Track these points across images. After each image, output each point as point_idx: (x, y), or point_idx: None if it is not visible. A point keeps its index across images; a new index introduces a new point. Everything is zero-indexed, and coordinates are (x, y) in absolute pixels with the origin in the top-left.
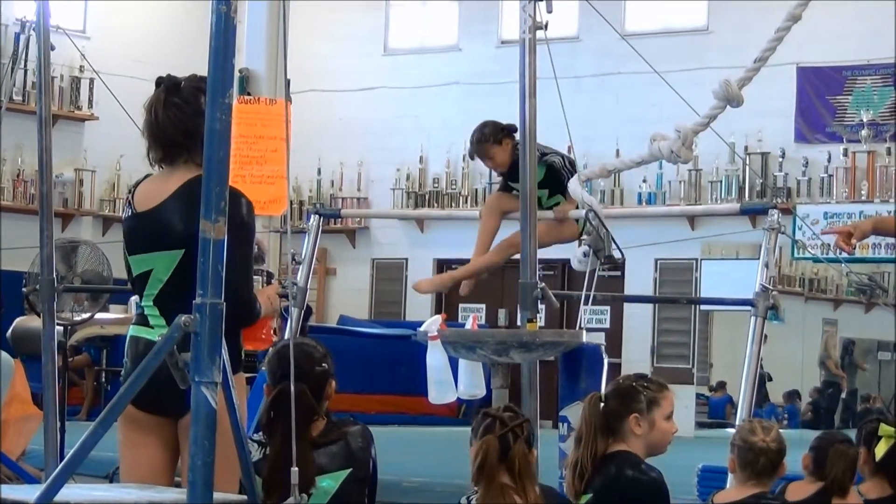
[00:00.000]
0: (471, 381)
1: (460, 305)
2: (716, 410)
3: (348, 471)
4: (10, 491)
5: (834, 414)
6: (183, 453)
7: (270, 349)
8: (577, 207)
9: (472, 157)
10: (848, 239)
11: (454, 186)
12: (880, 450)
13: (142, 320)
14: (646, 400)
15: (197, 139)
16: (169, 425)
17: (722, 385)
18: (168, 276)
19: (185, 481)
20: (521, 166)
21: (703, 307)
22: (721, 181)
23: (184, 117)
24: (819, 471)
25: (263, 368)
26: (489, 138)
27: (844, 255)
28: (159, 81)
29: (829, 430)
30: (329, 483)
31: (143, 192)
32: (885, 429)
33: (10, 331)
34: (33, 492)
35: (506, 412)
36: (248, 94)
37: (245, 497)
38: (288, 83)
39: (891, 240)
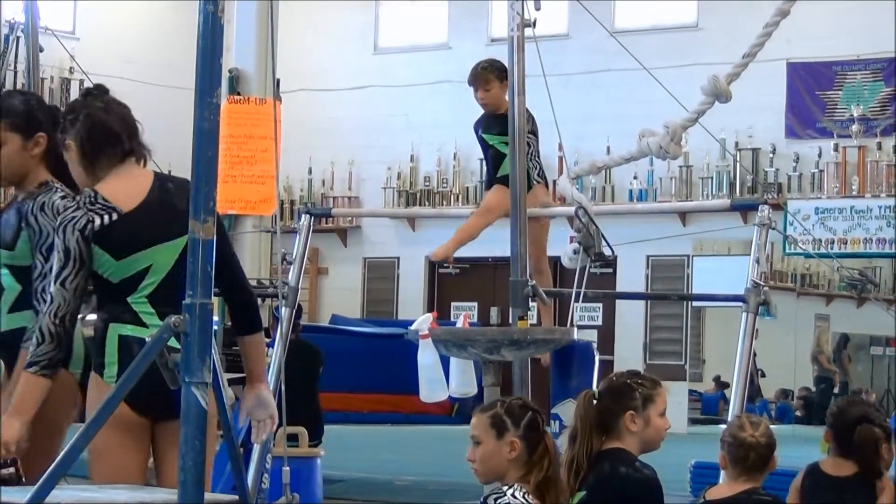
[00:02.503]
0: (462, 379)
1: (452, 304)
2: (709, 406)
3: None
4: (2, 492)
5: (826, 409)
6: (162, 457)
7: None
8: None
9: (469, 83)
10: None
11: (445, 185)
12: None
13: (131, 318)
14: (641, 397)
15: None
16: (147, 427)
17: (718, 380)
18: (170, 268)
19: (160, 482)
20: (510, 163)
21: (695, 303)
22: (712, 177)
23: (128, 117)
24: (846, 451)
25: None
26: (495, 72)
27: (835, 250)
28: (89, 91)
29: (847, 401)
30: None
31: (117, 193)
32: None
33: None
34: (25, 493)
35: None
36: (238, 93)
37: (237, 497)
38: (277, 83)
39: (882, 234)
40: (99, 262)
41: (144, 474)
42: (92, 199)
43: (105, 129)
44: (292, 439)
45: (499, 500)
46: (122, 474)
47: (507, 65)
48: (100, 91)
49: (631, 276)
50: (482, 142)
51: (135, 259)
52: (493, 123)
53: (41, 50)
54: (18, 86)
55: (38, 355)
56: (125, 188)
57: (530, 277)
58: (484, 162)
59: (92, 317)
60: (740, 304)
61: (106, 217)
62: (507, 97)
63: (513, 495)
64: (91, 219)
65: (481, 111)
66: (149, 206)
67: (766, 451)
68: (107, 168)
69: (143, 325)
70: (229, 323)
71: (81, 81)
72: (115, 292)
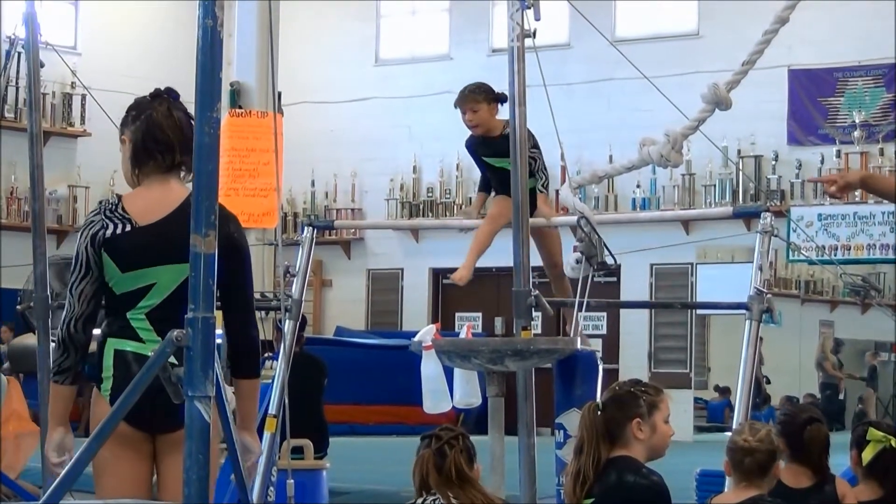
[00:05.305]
0: (466, 390)
1: (457, 314)
2: (714, 414)
3: None
4: None
5: (832, 415)
6: (162, 469)
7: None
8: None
9: (455, 106)
10: (832, 184)
11: (448, 195)
12: (867, 454)
13: (129, 334)
14: (645, 404)
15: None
16: (147, 440)
17: (725, 389)
18: (173, 289)
19: (162, 496)
20: (511, 173)
21: (699, 311)
22: (715, 185)
23: (187, 128)
24: (798, 455)
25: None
26: (482, 94)
27: (839, 256)
28: (159, 92)
29: (796, 408)
30: None
31: (138, 205)
32: (873, 433)
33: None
34: None
35: (442, 430)
36: (240, 107)
37: None
38: (279, 96)
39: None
40: (106, 270)
41: (149, 487)
42: (112, 207)
43: (161, 135)
44: (297, 452)
45: None
46: (125, 488)
47: (507, 75)
48: (169, 94)
49: (635, 284)
50: (483, 164)
51: (139, 274)
52: (493, 147)
53: (42, 65)
54: (20, 102)
55: (52, 362)
56: (151, 202)
57: (552, 285)
58: (481, 176)
59: (97, 332)
60: (743, 311)
61: (119, 227)
62: (497, 117)
63: None
64: (105, 225)
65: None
66: (166, 225)
67: (764, 456)
68: (151, 173)
69: (140, 340)
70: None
71: (84, 96)
72: (116, 305)
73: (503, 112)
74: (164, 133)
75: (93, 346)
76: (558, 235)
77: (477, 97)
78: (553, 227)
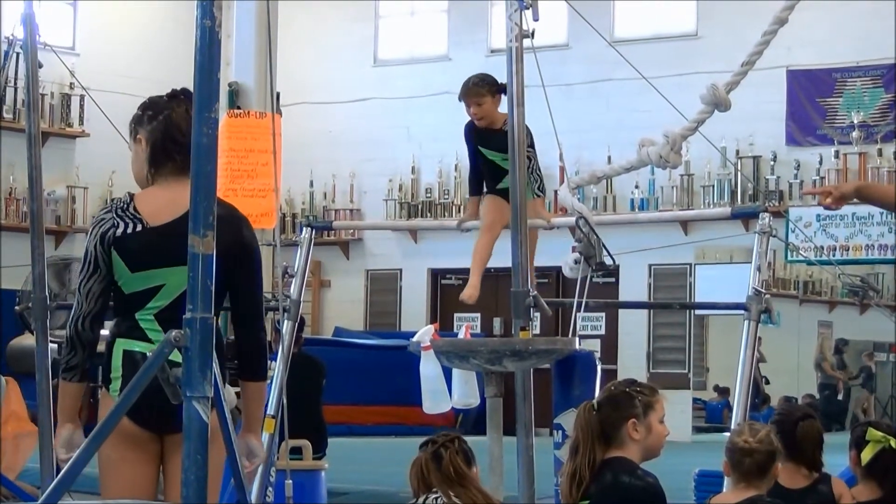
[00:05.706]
0: (465, 391)
1: (455, 315)
2: (713, 415)
3: None
4: None
5: (831, 416)
6: (168, 469)
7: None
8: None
9: (459, 99)
10: (827, 196)
11: (447, 196)
12: (866, 454)
13: (138, 334)
14: (641, 405)
15: None
16: (154, 440)
17: (724, 390)
18: (181, 290)
19: (168, 496)
20: (510, 174)
21: (698, 312)
22: (713, 186)
23: None
24: (792, 451)
25: None
26: (486, 87)
27: (837, 256)
28: (175, 93)
29: (789, 406)
30: None
31: (151, 205)
32: (873, 433)
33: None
34: None
35: (438, 436)
36: (238, 107)
37: None
38: (277, 96)
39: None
40: (116, 269)
41: (154, 488)
42: (124, 206)
43: (180, 136)
44: (296, 452)
45: None
46: (130, 488)
47: (506, 76)
48: (185, 96)
49: (633, 285)
50: (478, 153)
51: (148, 275)
52: (492, 139)
53: (41, 66)
54: (18, 102)
55: (61, 360)
56: (164, 202)
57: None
58: (471, 168)
59: (105, 332)
60: (742, 312)
61: (130, 226)
62: (500, 110)
63: None
64: (115, 224)
65: None
66: (176, 226)
67: (763, 457)
68: (168, 174)
69: (150, 341)
70: (231, 336)
71: (82, 97)
72: (125, 304)
73: (504, 104)
74: (182, 134)
75: (101, 347)
76: (533, 248)
77: (481, 90)
78: (535, 236)
